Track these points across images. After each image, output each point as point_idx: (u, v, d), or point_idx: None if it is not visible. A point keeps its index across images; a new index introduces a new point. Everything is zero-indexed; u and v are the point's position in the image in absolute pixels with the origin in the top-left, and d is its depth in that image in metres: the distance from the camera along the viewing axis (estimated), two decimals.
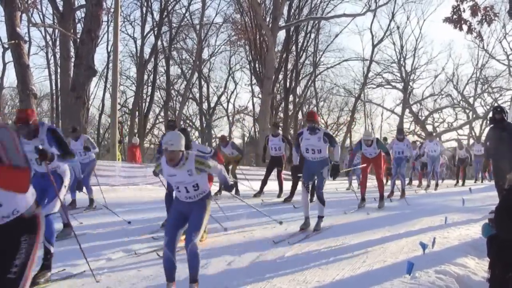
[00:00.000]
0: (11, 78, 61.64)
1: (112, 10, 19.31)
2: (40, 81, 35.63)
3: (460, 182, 16.78)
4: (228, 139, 13.00)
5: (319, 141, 7.11)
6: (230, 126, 38.96)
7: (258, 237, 6.80)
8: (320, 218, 7.20)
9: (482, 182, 17.65)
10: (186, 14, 34.28)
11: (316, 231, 6.99)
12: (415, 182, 16.73)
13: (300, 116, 36.35)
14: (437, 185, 14.63)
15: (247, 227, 7.62)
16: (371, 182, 12.35)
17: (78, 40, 15.40)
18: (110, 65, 26.40)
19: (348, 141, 38.34)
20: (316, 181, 7.39)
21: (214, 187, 11.38)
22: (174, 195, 4.90)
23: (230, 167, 12.09)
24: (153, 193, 9.93)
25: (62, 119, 22.70)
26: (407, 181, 14.48)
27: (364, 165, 9.92)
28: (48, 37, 31.90)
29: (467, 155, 16.88)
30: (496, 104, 31.61)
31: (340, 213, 8.90)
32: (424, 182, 15.38)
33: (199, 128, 38.14)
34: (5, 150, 2.45)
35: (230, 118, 39.42)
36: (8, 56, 28.80)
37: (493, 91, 38.63)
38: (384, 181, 11.62)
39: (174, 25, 34.55)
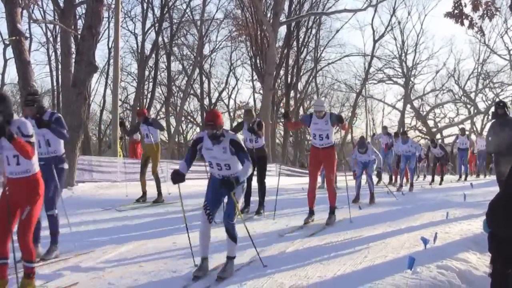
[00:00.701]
0: (12, 74, 61.76)
1: (113, 6, 19.30)
2: (41, 77, 35.85)
3: (438, 179, 15.05)
4: (147, 114, 10.36)
5: (225, 153, 4.92)
6: (231, 122, 39.04)
7: (259, 233, 6.80)
8: (230, 259, 4.97)
9: (465, 179, 16.11)
10: (187, 10, 34.34)
11: (220, 279, 4.75)
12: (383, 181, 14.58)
13: (301, 111, 36.39)
14: (411, 185, 13.01)
15: (248, 222, 7.62)
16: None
17: (79, 36, 15.37)
18: (111, 61, 26.37)
19: (349, 137, 38.41)
20: (224, 206, 5.29)
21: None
22: None
23: (151, 164, 10.06)
24: (154, 189, 9.94)
25: (63, 115, 22.67)
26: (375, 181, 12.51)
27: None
28: (49, 34, 31.96)
29: (443, 154, 15.22)
30: (497, 99, 31.58)
31: (340, 209, 8.89)
32: (400, 179, 13.46)
33: (200, 124, 38.17)
34: None
35: (231, 114, 39.51)
36: (9, 52, 28.88)
37: (494, 86, 38.70)
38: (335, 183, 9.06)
39: (175, 21, 34.58)
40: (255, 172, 8.40)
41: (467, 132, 17.94)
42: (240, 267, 5.08)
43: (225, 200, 5.21)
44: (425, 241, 5.26)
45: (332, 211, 7.67)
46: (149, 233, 6.88)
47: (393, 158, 14.82)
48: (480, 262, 5.23)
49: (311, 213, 7.66)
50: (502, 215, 2.55)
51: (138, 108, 11.35)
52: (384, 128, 17.53)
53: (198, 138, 5.14)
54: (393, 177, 15.00)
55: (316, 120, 7.60)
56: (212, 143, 4.94)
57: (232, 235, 4.96)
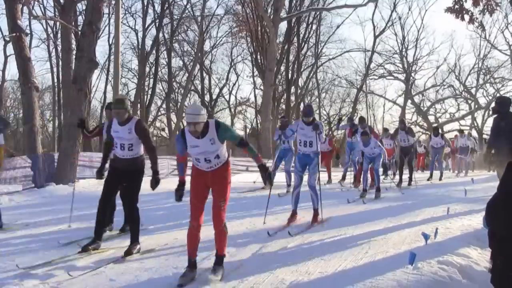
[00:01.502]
0: (12, 71, 61.84)
1: (113, 2, 19.27)
2: (41, 73, 35.71)
3: (407, 178, 12.99)
4: None
5: None
6: (232, 118, 39.04)
7: (260, 229, 6.81)
8: None
9: (440, 179, 14.81)
10: (188, 6, 34.26)
11: None
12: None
13: (301, 108, 36.34)
14: (378, 190, 10.41)
15: (249, 218, 7.63)
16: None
17: (79, 32, 15.37)
18: (112, 57, 26.30)
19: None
20: None
21: None
22: None
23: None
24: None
25: (64, 112, 22.73)
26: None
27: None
28: (49, 30, 31.86)
29: (409, 143, 12.92)
30: (498, 95, 31.53)
31: (341, 205, 8.89)
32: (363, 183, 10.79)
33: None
34: None
35: (232, 110, 39.48)
36: (10, 49, 28.81)
37: (495, 81, 38.58)
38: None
39: (176, 17, 34.50)
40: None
41: (441, 132, 16.79)
42: (242, 263, 5.09)
43: None
44: (426, 236, 5.27)
45: (219, 261, 4.70)
46: (150, 229, 6.89)
47: (359, 154, 12.00)
48: (481, 257, 5.24)
49: (191, 267, 4.63)
50: (503, 213, 2.54)
51: None
52: (350, 119, 15.17)
53: None
54: (357, 178, 12.43)
55: (194, 141, 4.54)
56: None
57: None
